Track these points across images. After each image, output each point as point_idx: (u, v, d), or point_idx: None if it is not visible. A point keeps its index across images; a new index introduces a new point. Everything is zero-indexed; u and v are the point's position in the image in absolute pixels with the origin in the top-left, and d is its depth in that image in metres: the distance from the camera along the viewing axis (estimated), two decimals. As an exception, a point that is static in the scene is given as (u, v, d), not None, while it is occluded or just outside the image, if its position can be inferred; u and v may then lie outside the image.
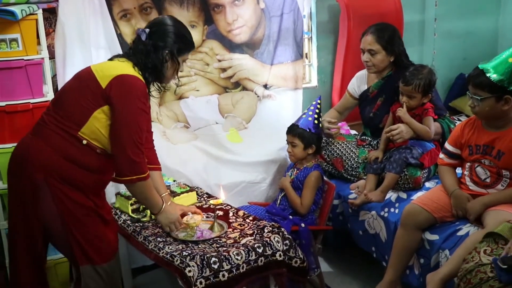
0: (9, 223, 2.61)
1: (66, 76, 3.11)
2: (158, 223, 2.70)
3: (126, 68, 2.45)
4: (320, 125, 3.31)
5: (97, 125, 2.39)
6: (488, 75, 2.54)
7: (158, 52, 2.51)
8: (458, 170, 2.94)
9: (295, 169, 3.29)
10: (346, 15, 4.15)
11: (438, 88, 3.53)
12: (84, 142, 2.38)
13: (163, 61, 2.52)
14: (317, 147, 3.26)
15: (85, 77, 2.45)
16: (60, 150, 2.37)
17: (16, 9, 2.75)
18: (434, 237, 2.76)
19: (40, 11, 2.94)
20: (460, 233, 2.69)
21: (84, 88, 2.41)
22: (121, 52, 3.30)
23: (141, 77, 2.46)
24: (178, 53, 2.55)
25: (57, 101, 2.47)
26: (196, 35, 3.56)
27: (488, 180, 2.72)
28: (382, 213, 3.09)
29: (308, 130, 3.20)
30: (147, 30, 2.54)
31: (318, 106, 3.30)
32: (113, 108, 2.37)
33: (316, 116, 3.26)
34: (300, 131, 3.21)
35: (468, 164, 2.80)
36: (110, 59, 2.58)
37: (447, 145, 2.92)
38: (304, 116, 3.29)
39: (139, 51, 2.52)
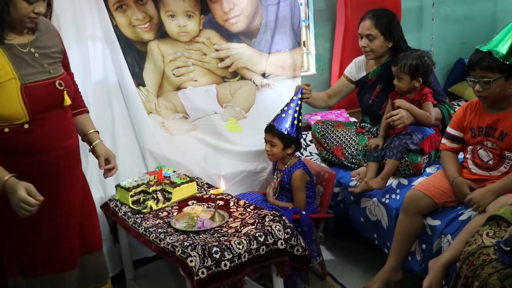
0: None
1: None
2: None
3: None
4: (300, 123, 3.26)
5: None
6: (497, 55, 2.51)
7: None
8: (461, 155, 2.93)
9: (278, 172, 3.27)
10: (343, 2, 4.13)
11: (437, 74, 3.52)
12: None
13: None
14: (296, 146, 3.25)
15: None
16: None
17: (10, 1, 2.71)
18: (436, 222, 2.75)
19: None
20: (462, 217, 2.68)
21: None
22: (117, 45, 3.29)
23: None
24: None
25: None
26: (193, 25, 3.55)
27: (491, 162, 2.70)
28: (383, 200, 3.08)
29: (286, 133, 3.16)
30: None
31: (299, 102, 3.26)
32: None
33: (296, 115, 3.22)
34: (279, 131, 3.17)
35: (470, 147, 2.78)
36: None
37: (449, 129, 2.90)
38: (283, 115, 3.22)
39: None
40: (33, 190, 2.11)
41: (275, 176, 3.30)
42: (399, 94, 3.20)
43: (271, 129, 3.19)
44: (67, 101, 2.36)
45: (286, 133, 3.15)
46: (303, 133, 3.59)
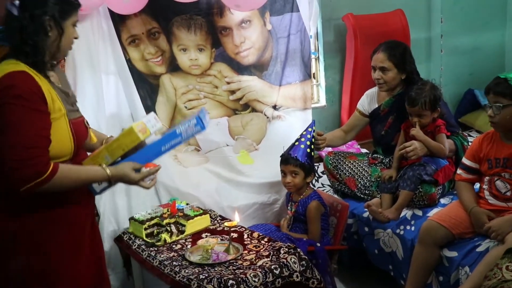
0: None
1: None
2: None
3: (0, 69, 1.99)
4: (313, 153, 3.26)
5: None
6: (510, 82, 2.55)
7: (36, 22, 2.02)
8: (476, 185, 2.92)
9: (292, 203, 3.25)
10: (353, 34, 4.18)
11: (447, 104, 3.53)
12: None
13: (46, 31, 2.05)
14: (314, 174, 3.28)
15: None
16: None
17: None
18: (453, 253, 2.73)
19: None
20: (479, 249, 2.66)
21: None
22: (130, 79, 3.32)
23: (23, 68, 2.00)
24: (61, 17, 2.08)
25: None
26: (204, 58, 3.58)
27: (508, 193, 2.69)
28: (397, 231, 3.06)
29: (307, 163, 3.16)
30: (17, 2, 2.03)
31: (313, 133, 3.27)
32: None
33: (308, 143, 3.22)
34: (300, 161, 3.16)
35: (487, 178, 2.77)
36: None
37: (464, 160, 2.90)
38: (302, 146, 3.20)
39: (14, 31, 2.03)
40: (137, 164, 2.17)
41: (289, 208, 3.28)
42: (413, 126, 3.18)
43: (290, 160, 3.17)
44: (93, 138, 2.36)
45: (306, 162, 3.15)
46: (314, 164, 3.59)
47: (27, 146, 1.93)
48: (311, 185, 3.32)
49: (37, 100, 1.97)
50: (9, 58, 2.04)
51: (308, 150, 3.20)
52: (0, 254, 2.05)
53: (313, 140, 3.26)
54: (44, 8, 2.03)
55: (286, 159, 3.20)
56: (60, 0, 2.06)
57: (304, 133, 3.29)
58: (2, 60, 2.05)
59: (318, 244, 3.03)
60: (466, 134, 4.24)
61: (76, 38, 2.19)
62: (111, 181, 2.15)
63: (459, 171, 2.94)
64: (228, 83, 3.69)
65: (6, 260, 2.05)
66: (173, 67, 3.52)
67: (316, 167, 3.80)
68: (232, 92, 3.71)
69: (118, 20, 3.31)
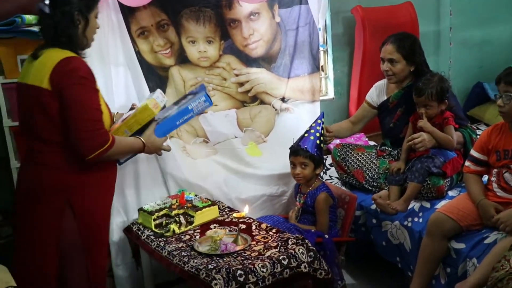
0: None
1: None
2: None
3: (51, 56, 2.32)
4: (322, 144, 3.28)
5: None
6: None
7: (67, 17, 2.34)
8: (484, 178, 2.92)
9: (301, 195, 3.27)
10: (362, 27, 4.17)
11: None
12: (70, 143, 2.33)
13: (76, 24, 2.37)
14: (324, 166, 3.29)
15: (27, 92, 2.36)
16: (68, 166, 2.36)
17: (37, 28, 2.78)
18: (461, 245, 2.73)
19: (61, 30, 2.98)
20: (487, 241, 2.66)
21: (32, 103, 2.33)
22: (140, 70, 3.34)
23: (71, 53, 2.34)
24: (86, 10, 2.40)
25: (29, 132, 2.40)
26: (213, 50, 3.59)
27: None
28: (405, 223, 3.07)
29: (316, 154, 3.18)
30: (47, 1, 2.36)
31: (322, 125, 3.28)
32: (61, 96, 2.28)
33: (318, 135, 3.23)
34: (310, 152, 3.18)
35: (495, 170, 2.77)
36: (34, 55, 2.39)
37: (473, 152, 2.90)
38: (312, 138, 3.22)
39: (48, 27, 2.37)
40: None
41: (297, 199, 3.30)
42: (421, 118, 3.19)
43: (300, 151, 3.18)
44: None
45: (316, 153, 3.16)
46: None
47: (94, 119, 2.32)
48: (319, 178, 3.33)
49: (93, 80, 2.36)
50: (46, 48, 2.34)
51: (318, 141, 3.21)
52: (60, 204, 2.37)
53: (322, 132, 3.27)
54: (71, 4, 2.34)
55: (296, 150, 3.21)
56: None
57: (314, 125, 3.30)
58: (37, 51, 2.37)
59: (326, 236, 3.04)
60: (475, 127, 4.24)
61: (98, 28, 2.52)
62: (142, 150, 2.58)
63: (467, 163, 2.94)
64: (237, 75, 3.69)
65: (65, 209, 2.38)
66: (182, 59, 3.53)
67: (324, 160, 3.81)
68: (241, 84, 3.72)
69: (128, 12, 3.32)
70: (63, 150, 2.35)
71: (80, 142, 2.29)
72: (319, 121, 3.31)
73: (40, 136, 2.35)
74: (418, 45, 3.41)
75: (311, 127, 3.29)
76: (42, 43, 2.40)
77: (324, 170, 3.78)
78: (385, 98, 3.55)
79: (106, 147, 2.32)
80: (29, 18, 2.76)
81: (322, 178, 3.66)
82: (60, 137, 2.33)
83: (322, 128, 3.28)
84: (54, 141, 2.34)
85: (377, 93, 3.62)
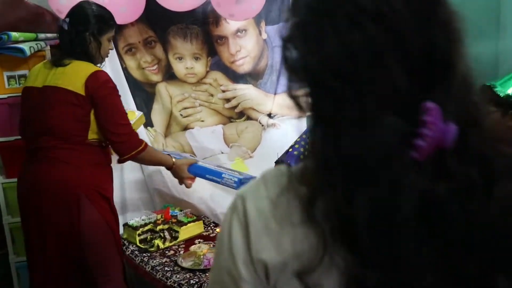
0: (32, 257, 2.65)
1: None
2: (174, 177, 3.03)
3: (82, 67, 2.58)
4: None
5: (94, 125, 2.59)
6: (495, 90, 2.59)
7: (80, 36, 2.62)
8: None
9: None
10: (347, 44, 4.22)
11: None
12: (92, 143, 2.61)
13: (87, 43, 2.63)
14: None
15: (54, 97, 2.56)
16: (80, 163, 2.56)
17: (24, 46, 2.84)
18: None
19: (48, 47, 3.04)
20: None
21: (62, 106, 2.55)
22: (126, 86, 3.38)
23: (97, 68, 2.64)
24: (99, 33, 2.67)
25: (48, 127, 2.56)
26: (200, 67, 3.64)
27: None
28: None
29: None
30: (67, 19, 2.65)
31: (307, 140, 3.29)
32: (97, 104, 2.55)
33: (302, 150, 3.25)
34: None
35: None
36: (58, 63, 2.63)
37: None
38: (291, 150, 3.21)
39: (65, 42, 2.66)
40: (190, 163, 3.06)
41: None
42: None
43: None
44: None
45: None
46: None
47: (128, 123, 2.66)
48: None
49: (118, 90, 2.65)
50: (66, 58, 2.60)
51: (301, 156, 3.24)
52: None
53: (306, 146, 3.29)
54: (86, 25, 2.62)
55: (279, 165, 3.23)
56: (99, 20, 2.65)
57: (298, 139, 3.33)
58: (58, 60, 2.63)
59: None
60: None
61: (111, 49, 2.82)
62: (169, 168, 2.96)
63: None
64: (224, 91, 3.73)
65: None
66: (169, 75, 3.57)
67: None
68: (228, 100, 3.76)
69: (115, 29, 3.36)
70: (81, 146, 2.57)
71: (120, 144, 2.64)
72: (304, 136, 3.35)
73: (60, 132, 2.55)
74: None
75: (295, 142, 3.32)
76: (59, 54, 2.68)
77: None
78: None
79: (140, 149, 2.67)
80: (16, 35, 2.80)
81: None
82: (81, 135, 2.57)
83: (307, 143, 3.30)
84: (74, 138, 2.56)
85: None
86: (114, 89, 2.61)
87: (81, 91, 2.52)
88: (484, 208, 0.74)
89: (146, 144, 2.73)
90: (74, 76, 2.56)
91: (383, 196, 0.72)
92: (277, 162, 3.29)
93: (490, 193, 0.74)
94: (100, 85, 2.55)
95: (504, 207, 0.74)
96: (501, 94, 2.60)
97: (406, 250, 0.72)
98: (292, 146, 3.29)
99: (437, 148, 0.73)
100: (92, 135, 2.60)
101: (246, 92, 3.79)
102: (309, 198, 0.79)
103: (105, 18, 2.70)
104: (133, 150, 2.66)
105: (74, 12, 2.67)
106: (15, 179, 2.97)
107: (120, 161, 2.73)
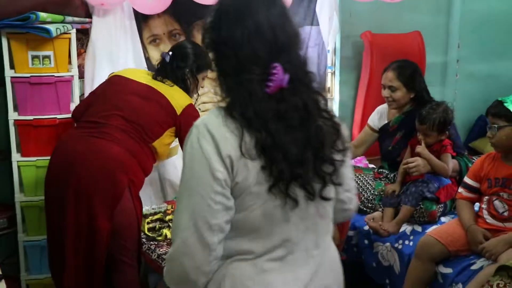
0: (52, 229, 2.69)
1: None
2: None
3: (183, 97, 2.84)
4: None
5: (164, 141, 2.78)
6: (505, 105, 2.61)
7: (180, 71, 2.87)
8: (476, 207, 2.95)
9: None
10: (370, 52, 4.23)
11: (458, 129, 3.55)
12: (152, 148, 2.75)
13: (185, 78, 2.89)
14: None
15: (155, 97, 2.77)
16: (135, 155, 2.66)
17: (51, 27, 2.85)
18: (448, 270, 2.75)
19: (74, 31, 3.05)
20: (474, 267, 2.68)
21: (157, 107, 2.75)
22: None
23: (191, 100, 2.90)
24: (197, 71, 2.92)
25: (131, 113, 2.70)
26: (222, 62, 3.65)
27: (505, 213, 2.72)
28: (396, 245, 3.09)
29: None
30: (170, 53, 2.91)
31: None
32: (181, 130, 2.78)
33: None
34: None
35: (486, 197, 2.81)
36: (161, 80, 2.86)
37: (466, 179, 2.94)
38: None
39: (165, 72, 2.88)
40: None
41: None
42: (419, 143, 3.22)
43: None
44: None
45: None
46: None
47: None
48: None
49: None
50: (169, 81, 2.87)
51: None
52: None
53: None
54: (186, 62, 2.90)
55: None
56: (197, 59, 2.91)
57: None
58: (162, 78, 2.89)
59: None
60: (474, 158, 4.25)
61: (202, 87, 3.15)
62: None
63: (460, 189, 2.97)
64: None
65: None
66: (191, 68, 3.59)
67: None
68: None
69: (141, 19, 3.41)
70: (142, 143, 2.70)
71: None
72: None
73: (141, 122, 2.70)
74: (419, 73, 3.46)
75: None
76: (162, 75, 2.90)
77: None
78: (386, 121, 3.59)
79: None
80: (43, 15, 2.82)
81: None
82: (152, 137, 2.73)
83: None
84: (145, 134, 2.70)
85: (378, 116, 3.67)
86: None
87: (178, 111, 2.76)
88: (302, 115, 1.42)
89: None
90: (178, 96, 2.81)
91: (255, 112, 1.38)
92: None
93: (306, 109, 1.43)
94: (193, 118, 2.61)
95: (307, 112, 1.43)
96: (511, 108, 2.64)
97: (281, 138, 1.38)
98: None
99: (279, 88, 1.40)
100: (157, 143, 2.75)
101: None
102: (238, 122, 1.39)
103: (203, 58, 2.91)
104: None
105: (176, 48, 2.96)
106: (31, 158, 3.02)
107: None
